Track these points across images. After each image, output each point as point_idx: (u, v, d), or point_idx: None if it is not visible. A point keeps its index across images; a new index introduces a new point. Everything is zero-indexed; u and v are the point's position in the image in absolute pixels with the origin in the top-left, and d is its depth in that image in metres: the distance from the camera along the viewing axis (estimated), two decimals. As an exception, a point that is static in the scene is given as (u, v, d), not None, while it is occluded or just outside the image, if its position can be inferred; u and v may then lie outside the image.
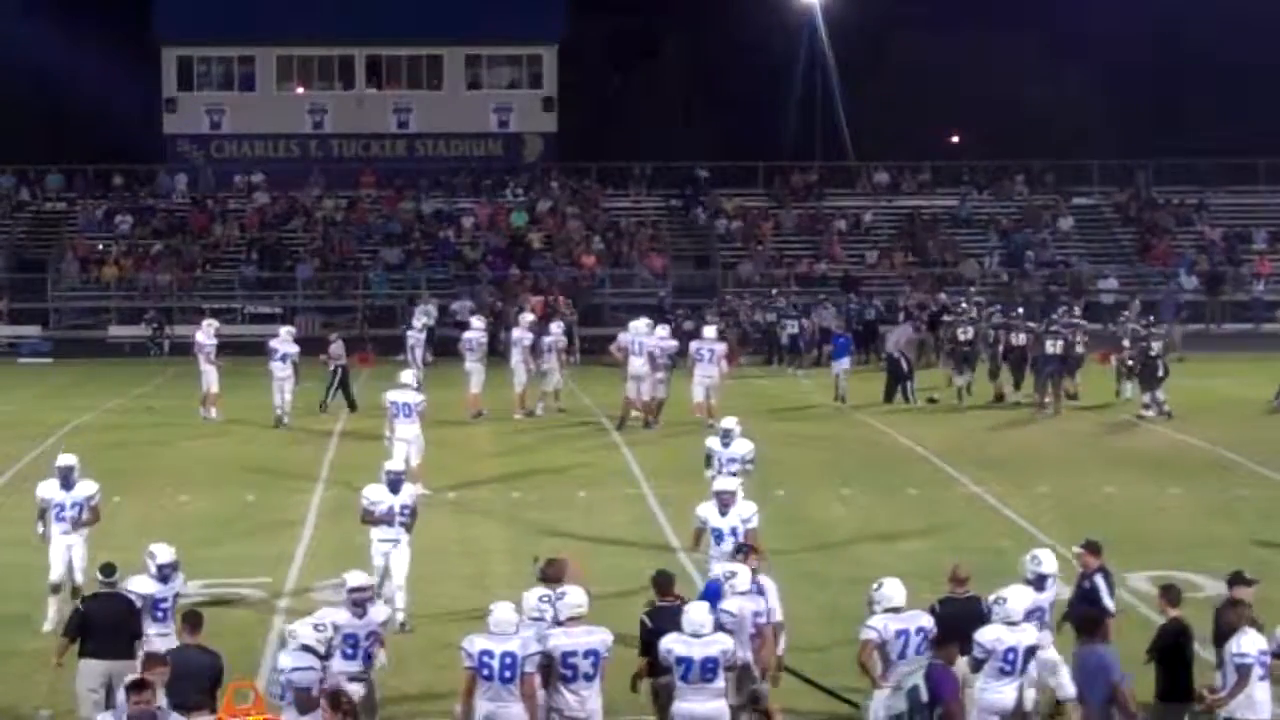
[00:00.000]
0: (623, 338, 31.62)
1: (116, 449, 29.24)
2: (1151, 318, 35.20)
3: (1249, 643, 12.42)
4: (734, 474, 18.80)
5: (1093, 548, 14.50)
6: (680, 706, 12.51)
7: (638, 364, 30.46)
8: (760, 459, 27.55)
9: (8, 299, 50.67)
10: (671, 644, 12.52)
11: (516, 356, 32.22)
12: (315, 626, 12.24)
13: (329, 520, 22.94)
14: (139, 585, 14.09)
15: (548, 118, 59.75)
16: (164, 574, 14.22)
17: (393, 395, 24.30)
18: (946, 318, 37.31)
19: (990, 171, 58.38)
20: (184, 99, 58.87)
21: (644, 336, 30.73)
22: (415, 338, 37.13)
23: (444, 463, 27.22)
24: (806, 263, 53.02)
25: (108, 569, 14.26)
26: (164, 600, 14.10)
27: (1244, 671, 12.33)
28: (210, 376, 32.12)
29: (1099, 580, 14.23)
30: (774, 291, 47.09)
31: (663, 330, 31.65)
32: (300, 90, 59.47)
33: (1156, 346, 31.98)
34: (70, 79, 59.41)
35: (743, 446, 19.74)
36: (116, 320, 50.07)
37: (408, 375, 25.15)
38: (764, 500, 24.06)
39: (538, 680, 12.28)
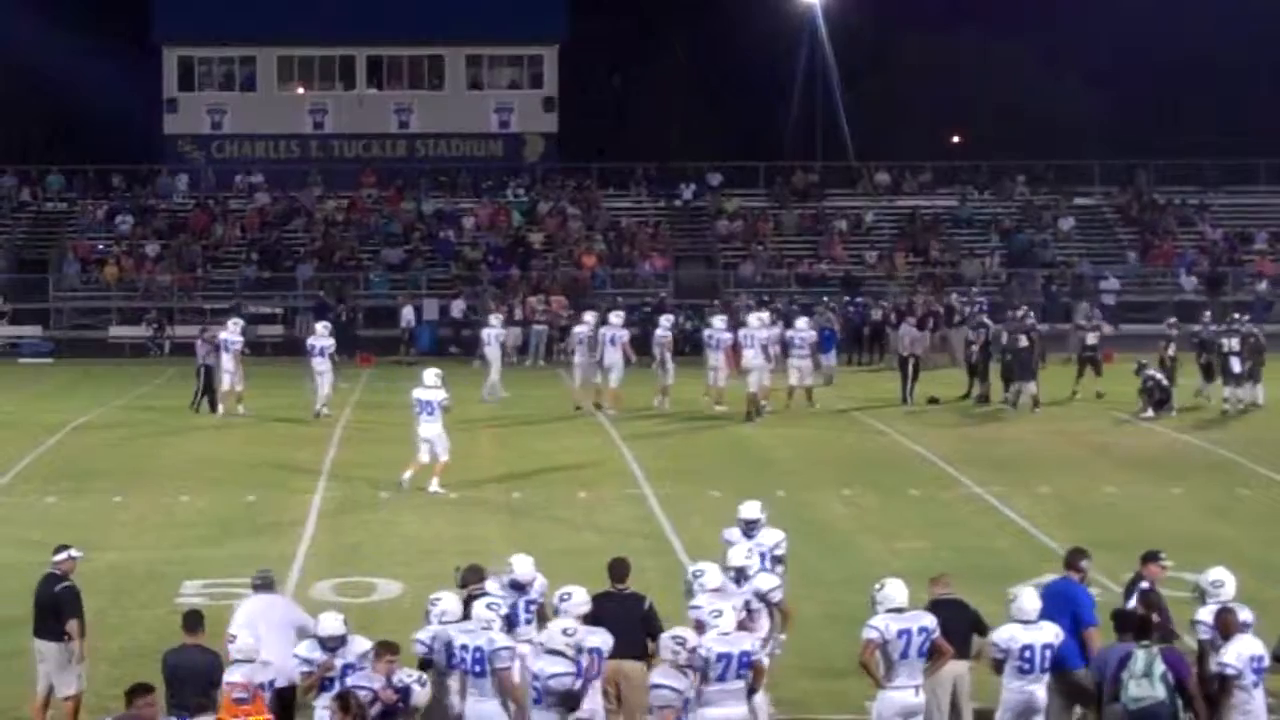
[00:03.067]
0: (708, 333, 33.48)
1: (117, 449, 29.30)
2: (1239, 315, 35.46)
3: (1231, 652, 12.28)
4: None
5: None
6: (707, 713, 12.27)
7: (750, 356, 31.55)
8: (762, 459, 27.75)
9: (8, 299, 50.66)
10: (711, 641, 12.42)
11: (615, 354, 32.61)
12: (564, 631, 12.32)
13: (330, 520, 22.93)
14: (303, 650, 12.65)
15: (548, 118, 59.75)
16: (329, 646, 12.49)
17: (417, 393, 24.63)
18: (971, 321, 36.98)
19: (991, 172, 58.36)
20: (185, 99, 58.87)
21: (758, 330, 31.88)
22: (493, 334, 35.61)
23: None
24: (807, 263, 53.01)
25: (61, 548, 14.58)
26: (330, 675, 12.38)
27: (1223, 682, 12.23)
28: (234, 373, 32.60)
29: None
30: (764, 299, 46.97)
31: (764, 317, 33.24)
32: (301, 90, 59.47)
33: (1231, 343, 32.33)
34: (71, 80, 59.40)
35: (771, 537, 15.29)
36: (117, 320, 50.04)
37: (431, 375, 25.01)
38: (765, 500, 24.13)
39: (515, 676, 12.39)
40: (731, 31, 65.04)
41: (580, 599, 12.83)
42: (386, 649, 12.13)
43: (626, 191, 57.85)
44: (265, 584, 14.02)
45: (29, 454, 28.15)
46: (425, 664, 12.71)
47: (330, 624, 12.57)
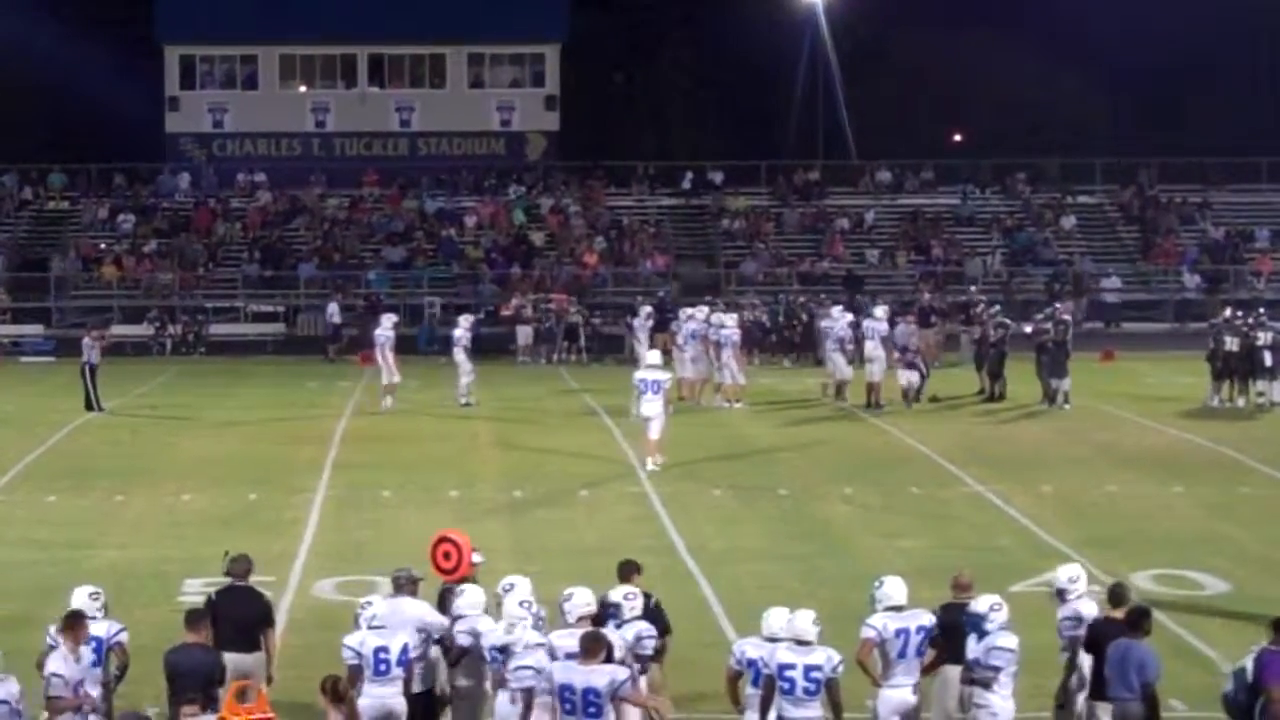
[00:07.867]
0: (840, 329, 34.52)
1: (119, 447, 29.29)
2: (1262, 310, 35.45)
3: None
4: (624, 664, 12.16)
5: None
6: None
7: (871, 347, 33.60)
8: (764, 458, 27.76)
9: (10, 297, 50.68)
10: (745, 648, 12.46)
11: (727, 353, 33.98)
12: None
13: (332, 519, 22.92)
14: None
15: (550, 116, 59.75)
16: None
17: (640, 374, 26.36)
18: (992, 319, 36.73)
19: (993, 170, 58.35)
20: (186, 98, 58.88)
21: (879, 323, 34.03)
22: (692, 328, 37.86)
23: (446, 460, 27.31)
24: (809, 261, 53.00)
25: None
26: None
27: None
28: (390, 368, 33.41)
29: None
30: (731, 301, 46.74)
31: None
32: (303, 89, 59.47)
33: (1266, 337, 32.39)
34: (73, 78, 59.39)
35: (633, 630, 12.61)
36: (119, 319, 49.99)
37: (655, 355, 27.58)
38: (768, 499, 24.19)
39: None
40: (733, 30, 65.03)
41: (582, 599, 12.69)
42: (596, 641, 11.86)
43: (628, 190, 57.86)
44: (401, 583, 13.92)
45: (30, 453, 28.15)
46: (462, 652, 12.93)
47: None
